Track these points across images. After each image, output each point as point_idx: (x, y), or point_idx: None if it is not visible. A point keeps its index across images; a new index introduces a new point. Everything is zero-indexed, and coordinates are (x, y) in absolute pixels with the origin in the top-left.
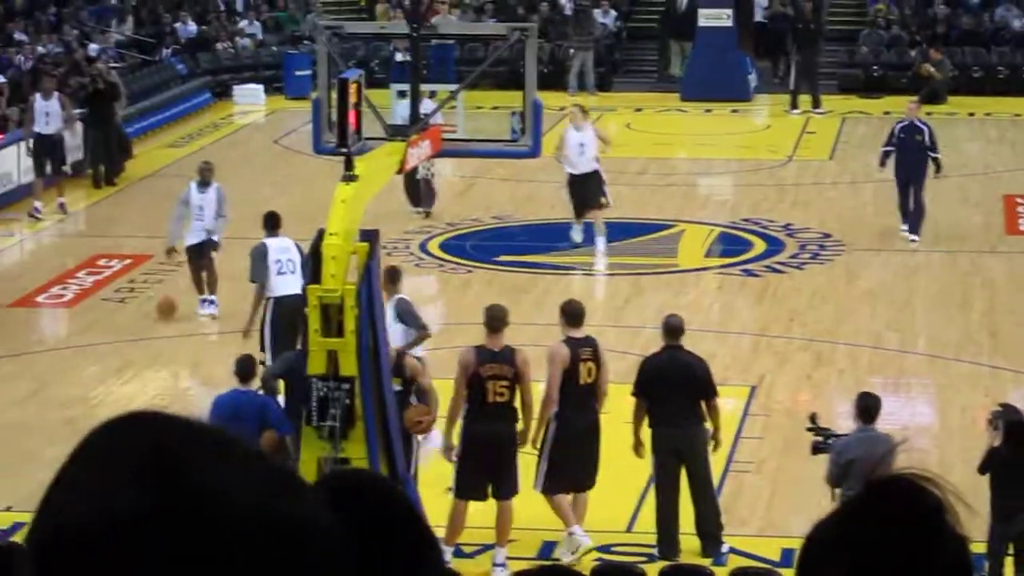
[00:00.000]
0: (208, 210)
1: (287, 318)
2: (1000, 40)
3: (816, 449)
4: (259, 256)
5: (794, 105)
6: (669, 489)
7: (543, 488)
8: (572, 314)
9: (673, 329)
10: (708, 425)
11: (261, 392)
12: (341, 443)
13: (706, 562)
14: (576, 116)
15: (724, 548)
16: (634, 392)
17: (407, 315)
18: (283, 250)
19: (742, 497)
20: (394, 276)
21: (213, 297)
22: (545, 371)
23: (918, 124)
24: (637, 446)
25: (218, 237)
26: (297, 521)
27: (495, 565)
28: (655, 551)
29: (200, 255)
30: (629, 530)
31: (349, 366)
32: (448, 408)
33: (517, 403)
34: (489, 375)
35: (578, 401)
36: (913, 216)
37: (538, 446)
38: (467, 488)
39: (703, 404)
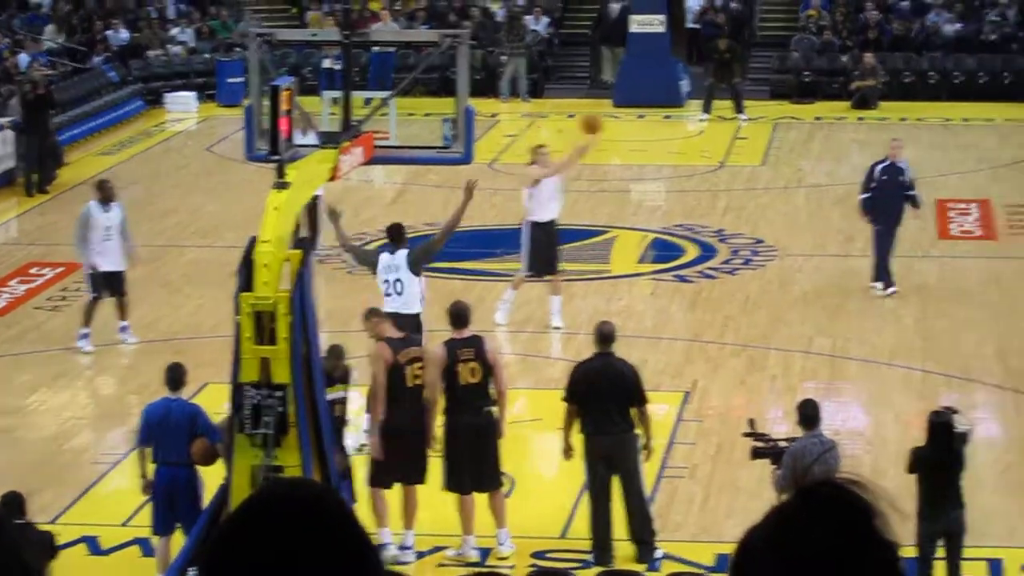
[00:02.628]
0: (115, 230)
1: None
2: (931, 45)
3: (756, 454)
4: None
5: (705, 109)
6: (601, 495)
7: (445, 486)
8: (454, 315)
9: (605, 336)
10: (639, 432)
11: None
12: (274, 451)
13: (641, 568)
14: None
15: (658, 554)
16: (565, 398)
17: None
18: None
19: (676, 502)
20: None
21: (127, 323)
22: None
23: (899, 164)
24: (567, 451)
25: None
26: None
27: (402, 548)
28: (590, 557)
29: (110, 285)
30: (563, 536)
31: (282, 373)
32: (371, 404)
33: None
34: (406, 360)
35: (461, 401)
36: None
37: (436, 446)
38: (380, 476)
39: (634, 411)
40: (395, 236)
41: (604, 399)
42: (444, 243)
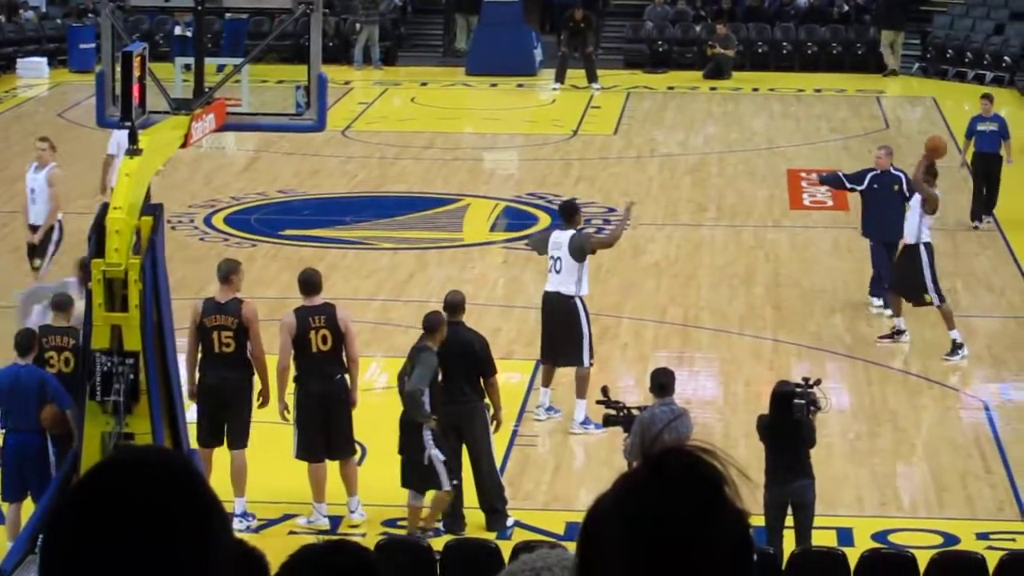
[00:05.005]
0: None
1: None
2: (784, 16)
3: (607, 421)
4: None
5: (558, 78)
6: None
7: (297, 454)
8: (304, 282)
9: (453, 305)
10: (488, 401)
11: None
12: (125, 418)
13: (491, 536)
14: (41, 153)
15: (509, 522)
16: None
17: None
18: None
19: (527, 471)
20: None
21: None
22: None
23: (894, 172)
24: None
25: None
26: None
27: (235, 515)
28: (440, 525)
29: None
30: None
31: (133, 340)
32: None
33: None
34: (213, 325)
35: (312, 368)
36: (878, 276)
37: (287, 415)
38: (202, 435)
39: (481, 381)
40: (566, 213)
41: (451, 369)
42: (600, 249)
